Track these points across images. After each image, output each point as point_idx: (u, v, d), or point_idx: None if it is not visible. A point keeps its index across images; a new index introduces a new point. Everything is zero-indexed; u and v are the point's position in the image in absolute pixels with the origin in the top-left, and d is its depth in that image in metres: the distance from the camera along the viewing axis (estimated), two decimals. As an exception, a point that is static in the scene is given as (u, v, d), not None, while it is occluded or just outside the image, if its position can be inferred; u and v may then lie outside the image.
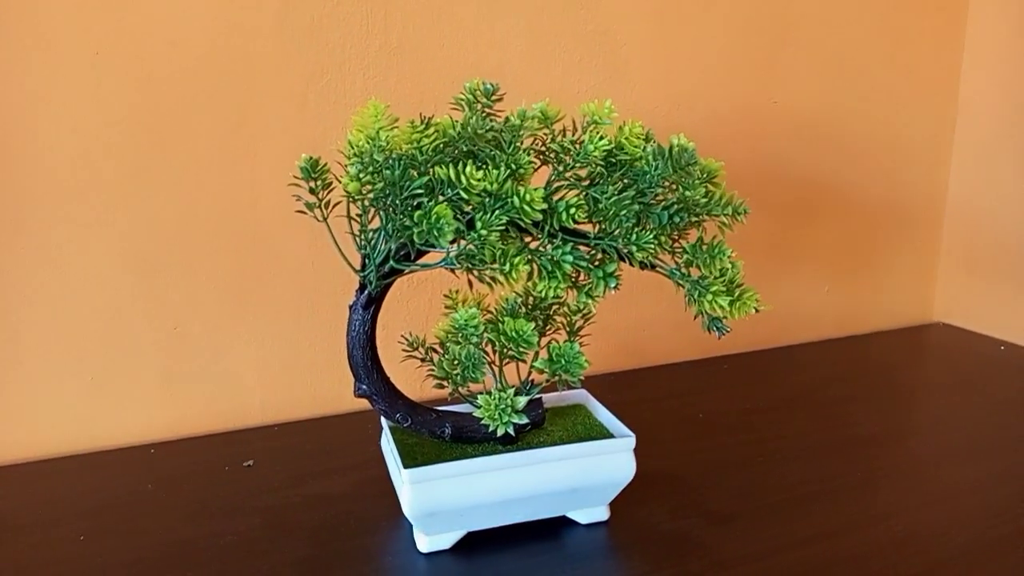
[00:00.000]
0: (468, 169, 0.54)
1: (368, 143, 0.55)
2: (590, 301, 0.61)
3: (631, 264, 0.60)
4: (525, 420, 0.61)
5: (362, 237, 0.59)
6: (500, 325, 0.62)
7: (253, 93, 0.83)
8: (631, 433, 0.65)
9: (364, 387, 0.62)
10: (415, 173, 0.56)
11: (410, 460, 0.61)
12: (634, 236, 0.58)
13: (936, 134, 1.22)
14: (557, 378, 0.62)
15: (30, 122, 0.76)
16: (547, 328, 0.67)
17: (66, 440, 0.82)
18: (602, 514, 0.67)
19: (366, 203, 0.57)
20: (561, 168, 0.59)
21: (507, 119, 0.59)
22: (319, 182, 0.58)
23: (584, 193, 0.59)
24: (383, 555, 0.62)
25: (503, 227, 0.56)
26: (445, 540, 0.62)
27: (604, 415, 0.69)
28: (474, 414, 0.61)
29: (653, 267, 0.61)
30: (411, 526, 0.64)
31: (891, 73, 1.16)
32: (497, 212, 0.55)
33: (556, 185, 0.60)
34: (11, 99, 0.75)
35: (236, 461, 0.78)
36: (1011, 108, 1.14)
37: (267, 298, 0.87)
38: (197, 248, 0.84)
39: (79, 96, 0.77)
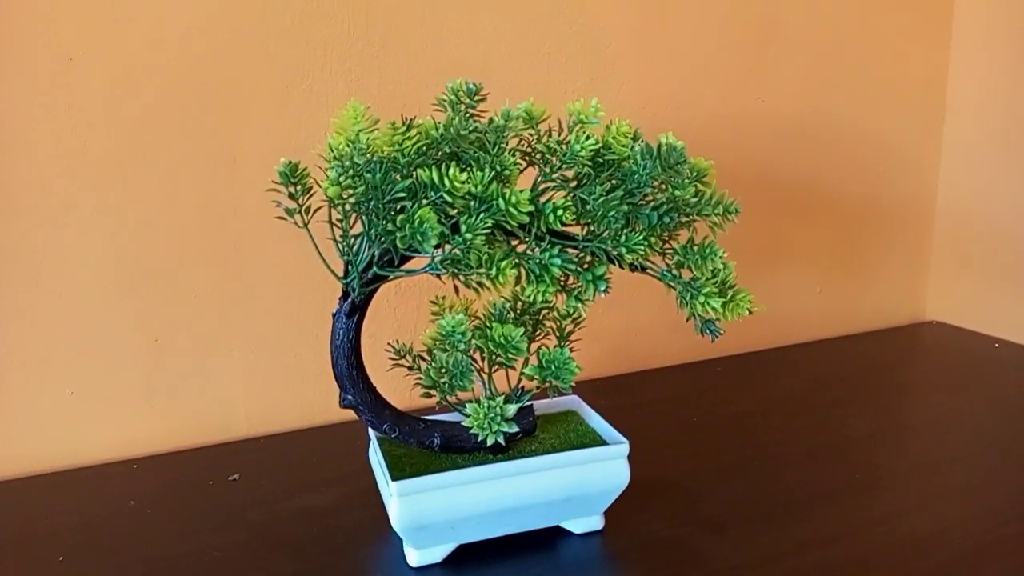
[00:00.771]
0: (452, 171, 0.53)
1: (348, 146, 0.54)
2: (580, 305, 0.60)
3: (621, 266, 0.59)
4: (515, 428, 0.60)
5: (344, 243, 0.57)
6: (488, 331, 0.60)
7: (233, 96, 0.81)
8: (625, 439, 0.64)
9: (350, 397, 0.61)
10: (397, 176, 0.55)
11: (398, 471, 0.60)
12: (623, 237, 0.57)
13: (925, 132, 1.22)
14: (548, 384, 0.60)
15: (3, 133, 0.74)
16: (536, 333, 0.66)
17: (45, 456, 0.80)
18: (596, 523, 0.65)
19: (347, 208, 0.55)
20: (547, 169, 0.58)
21: (491, 120, 0.58)
22: (299, 187, 0.57)
23: (571, 194, 0.58)
24: (372, 570, 0.61)
25: (489, 230, 0.55)
26: (436, 553, 0.61)
27: (596, 421, 0.68)
28: (463, 423, 0.60)
29: (643, 269, 0.60)
30: (401, 540, 0.62)
31: (879, 71, 1.16)
32: (482, 215, 0.54)
33: (543, 187, 0.58)
34: (-17, 108, 0.73)
35: (221, 475, 0.76)
36: (998, 107, 1.14)
37: (250, 307, 0.86)
38: (177, 257, 0.82)
39: (53, 105, 0.75)
